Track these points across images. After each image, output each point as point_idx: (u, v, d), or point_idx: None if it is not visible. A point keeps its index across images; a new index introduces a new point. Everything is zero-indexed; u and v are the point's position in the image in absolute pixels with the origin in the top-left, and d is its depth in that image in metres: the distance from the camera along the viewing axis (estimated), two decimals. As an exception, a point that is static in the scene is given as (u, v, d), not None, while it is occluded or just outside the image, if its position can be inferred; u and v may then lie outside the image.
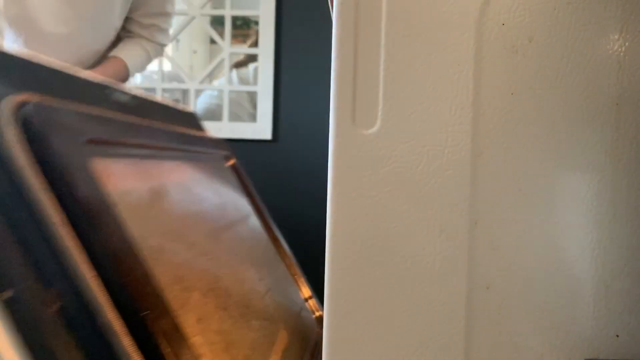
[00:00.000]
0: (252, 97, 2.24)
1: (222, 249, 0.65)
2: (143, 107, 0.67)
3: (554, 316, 0.39)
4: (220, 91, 2.27)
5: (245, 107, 2.28)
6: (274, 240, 0.86)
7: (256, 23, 2.33)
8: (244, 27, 2.43)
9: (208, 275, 0.56)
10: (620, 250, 0.39)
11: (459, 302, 0.39)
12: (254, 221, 0.85)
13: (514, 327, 0.39)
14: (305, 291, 0.85)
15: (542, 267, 0.39)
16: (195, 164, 0.73)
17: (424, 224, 0.39)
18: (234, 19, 2.35)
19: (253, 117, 2.22)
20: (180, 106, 0.89)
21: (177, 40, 2.47)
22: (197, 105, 2.27)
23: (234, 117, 2.26)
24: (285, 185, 2.23)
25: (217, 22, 2.40)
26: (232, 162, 0.88)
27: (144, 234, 0.47)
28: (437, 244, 0.39)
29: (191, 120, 0.86)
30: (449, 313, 0.39)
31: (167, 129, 0.68)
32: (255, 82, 2.25)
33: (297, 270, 0.86)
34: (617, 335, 0.39)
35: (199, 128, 0.88)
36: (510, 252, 0.39)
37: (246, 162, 2.41)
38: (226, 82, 2.28)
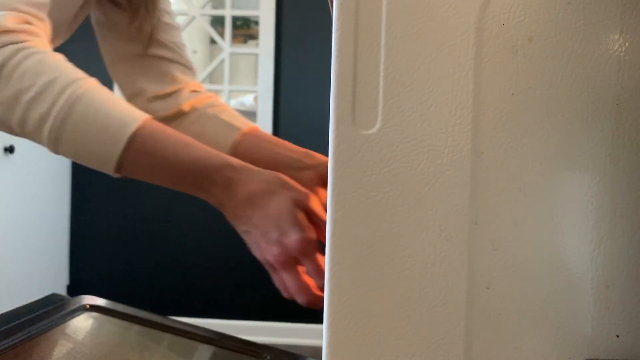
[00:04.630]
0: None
1: None
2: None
3: (554, 316, 0.39)
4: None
5: None
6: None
7: (256, 23, 2.33)
8: (244, 27, 2.43)
9: None
10: (620, 250, 0.39)
11: (459, 302, 0.39)
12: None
13: (514, 327, 0.39)
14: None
15: (542, 267, 0.39)
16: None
17: (424, 224, 0.39)
18: (234, 19, 2.34)
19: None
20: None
21: (177, 40, 2.47)
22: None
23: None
24: (285, 185, 2.22)
25: (217, 22, 2.40)
26: (88, 305, 0.84)
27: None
28: (437, 244, 0.39)
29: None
30: (449, 313, 0.39)
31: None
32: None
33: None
34: (617, 336, 0.39)
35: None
36: (510, 252, 0.39)
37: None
38: (227, 82, 2.28)
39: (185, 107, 0.95)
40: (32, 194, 2.11)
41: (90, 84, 0.69)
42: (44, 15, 0.75)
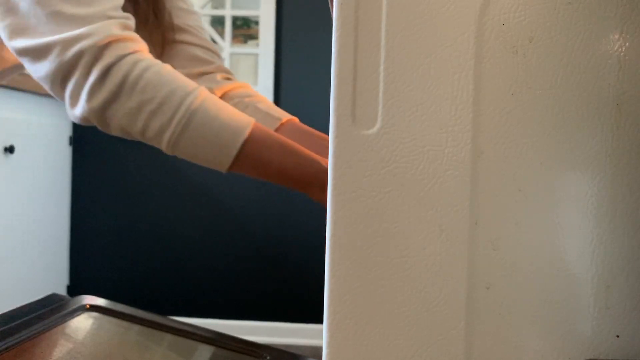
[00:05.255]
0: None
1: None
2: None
3: (554, 316, 0.39)
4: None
5: None
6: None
7: (256, 23, 2.33)
8: (244, 27, 2.43)
9: None
10: (620, 250, 0.39)
11: (459, 302, 0.39)
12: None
13: (514, 327, 0.39)
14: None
15: (542, 267, 0.39)
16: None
17: (424, 224, 0.39)
18: (234, 19, 2.35)
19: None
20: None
21: (177, 40, 2.46)
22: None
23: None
24: (285, 185, 2.23)
25: (217, 22, 2.40)
26: (88, 305, 0.85)
27: None
28: (437, 244, 0.39)
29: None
30: (449, 313, 0.39)
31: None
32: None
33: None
34: (618, 336, 0.39)
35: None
36: (510, 252, 0.39)
37: (246, 162, 2.41)
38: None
39: (218, 92, 0.96)
40: (32, 194, 2.11)
41: (204, 95, 0.75)
42: (128, 15, 0.79)
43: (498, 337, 0.39)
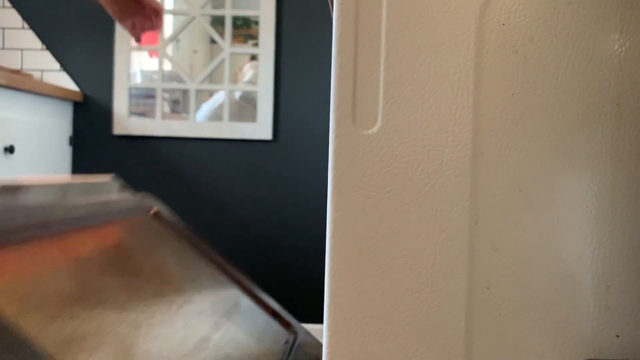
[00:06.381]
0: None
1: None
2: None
3: (554, 316, 0.39)
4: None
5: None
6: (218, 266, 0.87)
7: (256, 23, 2.33)
8: (244, 27, 2.43)
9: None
10: (620, 250, 0.39)
11: (459, 302, 0.39)
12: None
13: (514, 327, 0.39)
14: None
15: (542, 267, 0.39)
16: (112, 226, 0.75)
17: (424, 224, 0.39)
18: (234, 19, 2.35)
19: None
20: (95, 179, 0.87)
21: (177, 40, 2.47)
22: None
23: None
24: (285, 185, 2.23)
25: (217, 22, 2.40)
26: (154, 211, 0.90)
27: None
28: (437, 244, 0.39)
29: (106, 187, 0.87)
30: (449, 313, 0.39)
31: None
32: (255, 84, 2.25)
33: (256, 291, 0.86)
34: (618, 336, 0.39)
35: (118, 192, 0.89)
36: (510, 252, 0.39)
37: (246, 162, 2.41)
38: (227, 83, 2.28)
39: None
40: (32, 194, 2.10)
41: None
42: None
43: (498, 337, 0.39)
